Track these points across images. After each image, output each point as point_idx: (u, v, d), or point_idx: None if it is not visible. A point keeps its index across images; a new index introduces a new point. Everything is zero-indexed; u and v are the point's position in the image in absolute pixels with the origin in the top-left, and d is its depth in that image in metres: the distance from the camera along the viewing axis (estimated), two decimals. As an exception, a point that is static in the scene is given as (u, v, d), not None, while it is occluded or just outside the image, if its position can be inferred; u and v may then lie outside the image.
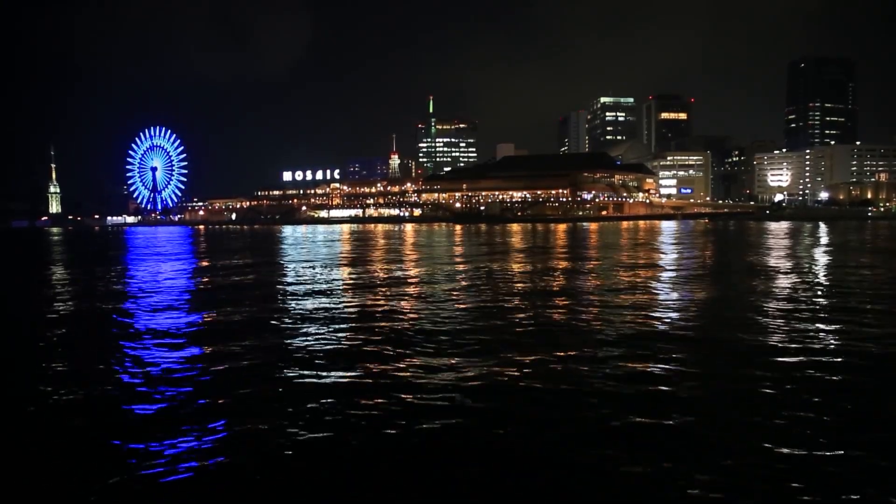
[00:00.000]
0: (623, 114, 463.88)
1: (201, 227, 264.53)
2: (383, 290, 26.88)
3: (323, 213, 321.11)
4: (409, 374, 12.77)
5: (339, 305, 22.42)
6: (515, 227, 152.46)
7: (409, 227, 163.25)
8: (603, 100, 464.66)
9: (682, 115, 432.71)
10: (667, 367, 13.00)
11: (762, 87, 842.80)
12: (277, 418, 10.18)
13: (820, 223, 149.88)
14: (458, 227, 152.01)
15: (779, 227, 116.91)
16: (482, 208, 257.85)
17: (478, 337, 16.21)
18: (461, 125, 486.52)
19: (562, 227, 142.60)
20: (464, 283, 29.40)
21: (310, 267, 39.25)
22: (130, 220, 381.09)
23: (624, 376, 12.34)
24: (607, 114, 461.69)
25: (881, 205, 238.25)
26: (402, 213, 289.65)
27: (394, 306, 21.81)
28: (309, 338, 16.51)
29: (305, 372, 13.02)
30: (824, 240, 70.47)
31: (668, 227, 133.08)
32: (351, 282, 30.81)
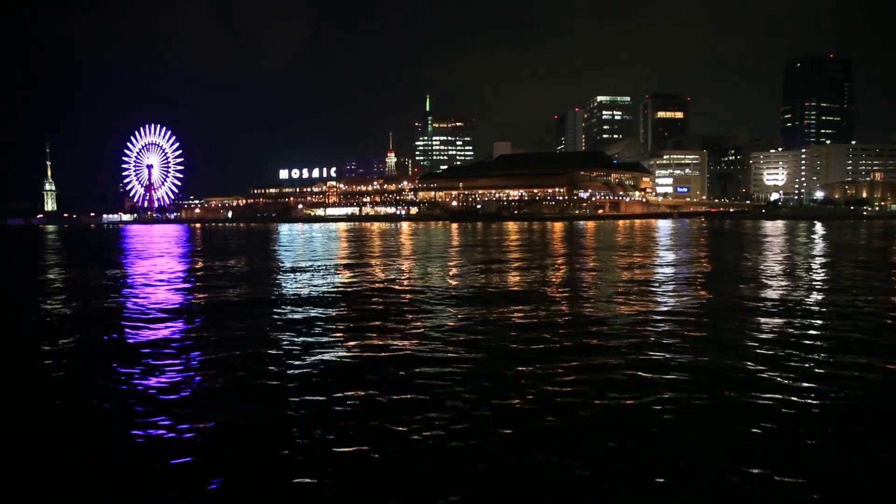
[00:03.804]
0: (620, 112, 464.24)
1: (197, 225, 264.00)
2: (381, 293, 26.85)
3: (319, 212, 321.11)
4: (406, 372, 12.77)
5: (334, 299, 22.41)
6: (512, 225, 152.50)
7: (405, 226, 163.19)
8: (600, 98, 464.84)
9: (679, 114, 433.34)
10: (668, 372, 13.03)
11: (759, 86, 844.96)
12: (277, 409, 10.21)
13: (816, 222, 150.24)
14: (454, 226, 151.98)
15: (775, 227, 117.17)
16: (479, 207, 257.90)
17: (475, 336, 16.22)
18: (458, 123, 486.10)
19: (559, 225, 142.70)
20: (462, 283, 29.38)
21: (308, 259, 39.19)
22: (126, 218, 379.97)
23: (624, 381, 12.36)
24: (604, 112, 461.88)
25: (876, 204, 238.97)
26: (398, 212, 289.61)
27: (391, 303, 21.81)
28: (306, 326, 16.51)
29: (303, 359, 13.03)
30: (820, 240, 70.66)
31: (664, 225, 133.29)
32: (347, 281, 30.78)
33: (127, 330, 18.03)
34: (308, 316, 19.90)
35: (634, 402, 10.77)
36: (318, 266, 38.85)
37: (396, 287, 27.24)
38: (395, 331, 17.24)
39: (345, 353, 14.63)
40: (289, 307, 21.87)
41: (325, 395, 11.46)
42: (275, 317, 19.94)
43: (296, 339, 16.18)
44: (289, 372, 13.02)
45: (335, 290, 26.87)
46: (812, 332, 16.68)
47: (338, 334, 16.95)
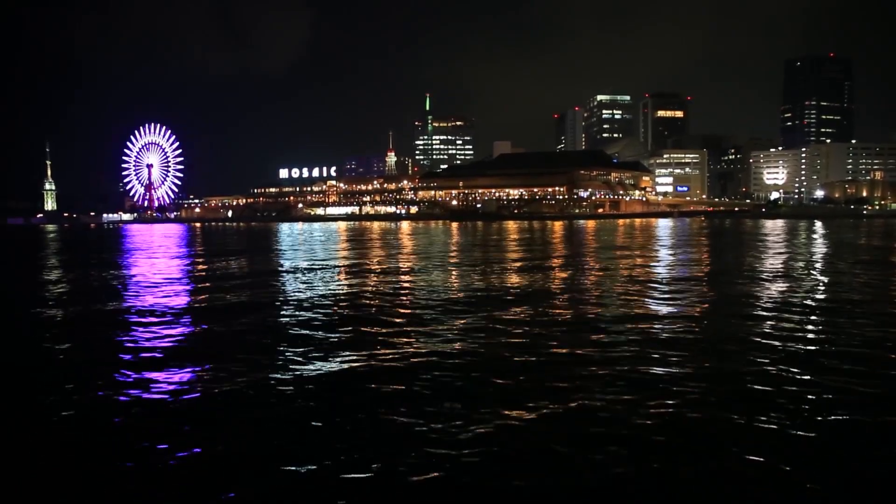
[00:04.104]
0: (620, 111, 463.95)
1: (197, 224, 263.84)
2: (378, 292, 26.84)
3: (319, 211, 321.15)
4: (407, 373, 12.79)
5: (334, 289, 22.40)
6: (512, 224, 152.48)
7: (405, 225, 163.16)
8: (600, 97, 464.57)
9: (679, 113, 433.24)
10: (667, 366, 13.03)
11: (759, 86, 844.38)
12: (279, 410, 10.21)
13: (816, 221, 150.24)
14: (454, 225, 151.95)
15: (775, 226, 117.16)
16: (479, 206, 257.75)
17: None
18: (458, 123, 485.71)
19: (559, 224, 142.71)
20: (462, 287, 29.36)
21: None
22: (126, 217, 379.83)
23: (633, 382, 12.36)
24: (604, 111, 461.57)
25: (876, 203, 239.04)
26: (398, 211, 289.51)
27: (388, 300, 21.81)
28: (306, 326, 16.51)
29: (302, 356, 13.03)
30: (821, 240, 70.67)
31: (664, 224, 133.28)
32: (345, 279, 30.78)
33: (127, 330, 18.03)
34: (308, 317, 19.90)
35: (636, 398, 10.76)
36: (319, 266, 38.88)
37: (397, 287, 27.26)
38: (396, 330, 17.24)
39: (345, 354, 14.62)
40: (289, 308, 21.88)
41: (325, 396, 11.49)
42: (276, 317, 19.95)
43: (295, 340, 16.19)
44: (289, 371, 13.02)
45: (335, 290, 26.89)
46: (813, 328, 16.71)
47: (338, 335, 16.95)
